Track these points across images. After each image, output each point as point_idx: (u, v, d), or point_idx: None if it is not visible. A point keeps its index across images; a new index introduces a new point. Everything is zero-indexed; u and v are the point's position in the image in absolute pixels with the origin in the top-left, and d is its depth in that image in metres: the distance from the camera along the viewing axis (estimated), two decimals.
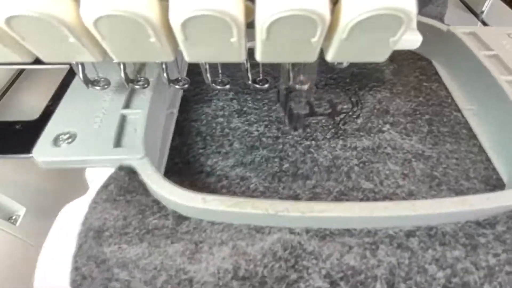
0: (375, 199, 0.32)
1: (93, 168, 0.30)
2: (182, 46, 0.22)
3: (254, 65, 0.30)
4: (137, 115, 0.32)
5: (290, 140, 0.37)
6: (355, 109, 0.40)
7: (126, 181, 0.28)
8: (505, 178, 0.33)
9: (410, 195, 0.32)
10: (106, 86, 0.33)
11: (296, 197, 0.32)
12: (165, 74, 0.32)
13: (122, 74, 0.31)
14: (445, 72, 0.45)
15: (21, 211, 0.39)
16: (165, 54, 0.23)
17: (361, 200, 0.32)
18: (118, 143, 0.30)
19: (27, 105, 0.44)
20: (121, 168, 0.29)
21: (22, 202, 0.39)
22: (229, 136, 0.37)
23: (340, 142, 0.36)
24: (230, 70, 0.44)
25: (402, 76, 0.44)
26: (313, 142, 0.36)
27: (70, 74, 0.38)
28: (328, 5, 0.19)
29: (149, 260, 0.25)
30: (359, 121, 0.39)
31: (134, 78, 0.34)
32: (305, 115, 0.39)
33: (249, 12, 0.20)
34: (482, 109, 0.38)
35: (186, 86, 0.35)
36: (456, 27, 0.44)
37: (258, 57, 0.24)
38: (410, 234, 0.27)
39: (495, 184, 0.33)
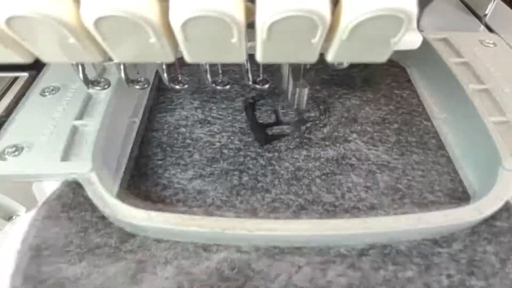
0: (335, 213, 0.31)
1: (40, 182, 0.29)
2: (182, 47, 0.22)
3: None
4: (90, 126, 0.31)
5: (252, 152, 0.35)
6: (322, 117, 0.39)
7: (71, 197, 0.27)
8: (470, 190, 0.32)
9: (372, 209, 0.31)
10: (106, 87, 0.33)
11: (254, 212, 0.31)
12: (165, 75, 0.31)
13: (122, 74, 0.31)
14: (417, 79, 0.44)
15: (21, 211, 0.39)
16: (165, 54, 0.23)
17: (321, 214, 0.31)
18: (66, 156, 0.29)
19: None
20: (66, 183, 0.28)
21: (22, 202, 0.39)
22: (189, 147, 0.36)
23: (304, 152, 0.35)
24: (197, 76, 0.43)
25: (374, 83, 0.43)
26: (276, 154, 0.35)
27: (28, 84, 0.37)
28: (329, 5, 0.19)
29: (88, 280, 0.24)
30: (325, 130, 0.38)
31: (134, 79, 0.33)
32: (271, 124, 0.38)
33: (250, 13, 0.20)
34: (451, 118, 0.37)
35: (186, 86, 0.34)
36: (429, 33, 0.43)
37: (259, 57, 0.23)
38: (362, 253, 0.26)
39: (460, 197, 0.32)
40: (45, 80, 0.35)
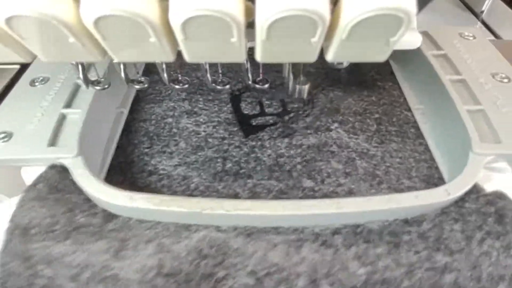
0: (314, 198, 0.32)
1: (29, 167, 0.30)
2: (182, 46, 0.22)
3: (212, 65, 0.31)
4: (77, 114, 0.32)
5: (236, 141, 0.37)
6: (306, 108, 0.40)
7: (57, 180, 0.28)
8: (446, 176, 0.33)
9: (350, 194, 0.32)
10: (106, 86, 0.34)
11: (235, 196, 0.32)
12: (165, 75, 0.32)
13: (122, 74, 0.31)
14: (399, 71, 0.45)
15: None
16: (165, 54, 0.23)
17: (300, 198, 0.32)
18: (53, 142, 0.30)
19: None
20: (52, 166, 0.29)
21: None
22: (176, 136, 0.37)
23: (286, 140, 0.37)
24: (185, 69, 0.44)
25: (358, 76, 0.44)
26: (259, 142, 0.36)
27: (19, 74, 0.38)
28: (328, 5, 0.19)
29: (73, 257, 0.25)
30: (308, 119, 0.39)
31: (134, 78, 0.34)
32: (255, 115, 0.39)
33: (249, 12, 0.20)
34: (429, 108, 0.39)
35: (187, 86, 0.35)
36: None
37: (258, 57, 0.24)
38: (336, 232, 0.27)
39: (436, 182, 0.33)
40: (35, 70, 0.37)
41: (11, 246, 0.26)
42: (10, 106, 0.33)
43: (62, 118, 0.32)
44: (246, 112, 0.40)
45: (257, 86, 0.34)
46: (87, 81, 0.32)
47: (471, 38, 0.42)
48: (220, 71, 0.34)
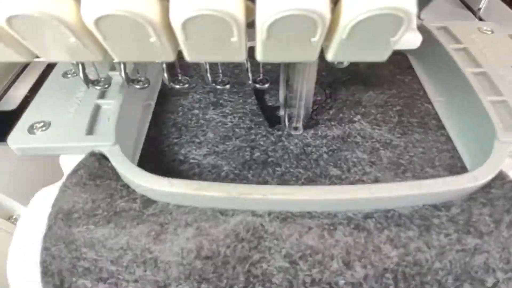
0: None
1: (67, 155, 0.31)
2: (182, 46, 0.23)
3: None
4: (111, 105, 0.33)
5: (262, 130, 0.38)
6: (328, 100, 0.41)
7: (96, 167, 0.29)
8: (468, 165, 0.34)
9: (376, 182, 0.33)
10: (106, 86, 0.34)
11: (264, 184, 0.33)
12: (165, 74, 0.32)
13: (122, 74, 0.32)
14: (419, 65, 0.46)
15: (21, 210, 0.40)
16: (165, 53, 0.23)
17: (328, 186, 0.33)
18: (90, 131, 0.31)
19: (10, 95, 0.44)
20: (91, 154, 0.30)
21: (22, 202, 0.40)
22: (203, 127, 0.38)
23: (311, 131, 0.38)
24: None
25: (377, 70, 0.45)
26: (285, 132, 0.37)
27: (50, 67, 0.39)
28: (329, 4, 0.19)
29: (115, 240, 0.26)
30: (331, 111, 0.40)
31: (135, 78, 0.35)
32: (280, 107, 0.40)
33: (250, 12, 0.21)
34: (450, 101, 0.40)
35: (187, 85, 0.36)
36: (430, 21, 0.45)
37: (259, 56, 0.24)
38: (367, 216, 0.28)
39: (459, 171, 0.34)
40: (67, 63, 0.37)
41: (55, 230, 0.27)
42: (46, 97, 0.34)
43: (97, 108, 0.33)
44: (270, 103, 0.41)
45: (257, 85, 0.35)
46: (87, 81, 0.32)
47: (489, 32, 0.43)
48: (220, 71, 0.35)
